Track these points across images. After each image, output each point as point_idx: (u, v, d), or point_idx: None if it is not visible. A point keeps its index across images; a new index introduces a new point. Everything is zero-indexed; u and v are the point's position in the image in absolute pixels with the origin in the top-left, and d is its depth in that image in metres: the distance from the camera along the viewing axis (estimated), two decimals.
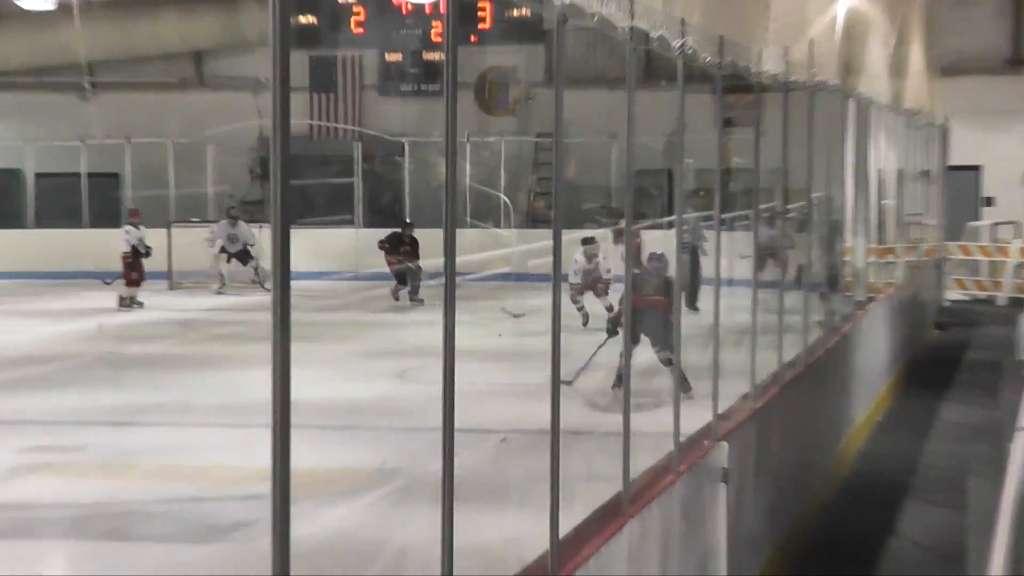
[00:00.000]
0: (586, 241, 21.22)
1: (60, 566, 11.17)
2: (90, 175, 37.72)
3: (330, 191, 35.17)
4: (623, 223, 16.18)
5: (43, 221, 36.59)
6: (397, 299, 26.91)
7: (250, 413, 12.83)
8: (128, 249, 28.29)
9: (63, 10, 32.82)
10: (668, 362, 14.73)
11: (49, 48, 36.59)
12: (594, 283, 21.30)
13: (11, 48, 35.82)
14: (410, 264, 26.36)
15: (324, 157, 36.12)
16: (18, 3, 30.81)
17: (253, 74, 35.67)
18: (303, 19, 35.58)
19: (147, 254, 28.06)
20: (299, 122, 35.44)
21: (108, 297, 27.75)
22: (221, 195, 34.74)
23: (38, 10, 31.39)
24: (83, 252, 32.30)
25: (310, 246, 28.47)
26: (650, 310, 15.96)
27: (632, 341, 14.40)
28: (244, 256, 29.73)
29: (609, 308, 20.15)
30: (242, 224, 30.04)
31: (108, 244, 28.68)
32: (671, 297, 14.92)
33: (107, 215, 36.70)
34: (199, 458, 13.44)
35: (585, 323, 21.09)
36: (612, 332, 17.12)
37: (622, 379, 13.48)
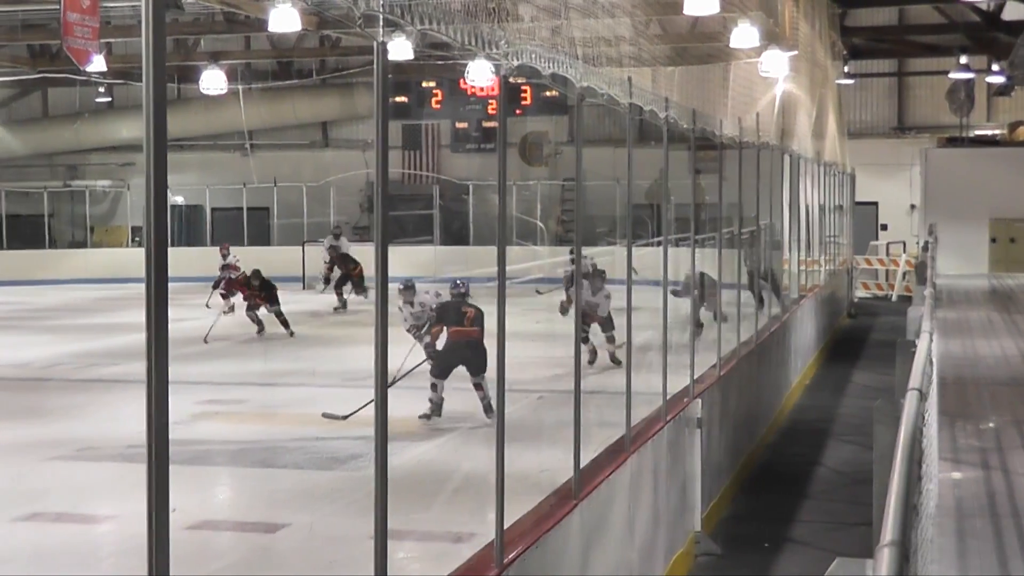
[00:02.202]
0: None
1: (227, 484, 11.13)
2: (249, 208, 37.90)
3: (416, 220, 35.28)
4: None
5: (217, 240, 36.78)
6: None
7: (359, 377, 12.85)
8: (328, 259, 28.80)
9: (231, 94, 32.94)
10: (479, 387, 13.10)
11: (221, 120, 36.82)
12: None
13: (194, 121, 36.01)
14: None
15: (412, 195, 36.23)
16: (201, 90, 30.96)
17: (362, 138, 36.09)
18: (398, 98, 35.61)
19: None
20: (395, 171, 35.64)
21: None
22: (339, 222, 34.83)
23: (214, 95, 31.56)
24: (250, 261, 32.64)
25: (402, 258, 28.50)
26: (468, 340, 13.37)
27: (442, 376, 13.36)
28: (344, 280, 29.02)
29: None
30: (343, 238, 30.14)
31: (262, 257, 28.72)
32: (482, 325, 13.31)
33: (261, 236, 37.24)
34: (323, 409, 13.37)
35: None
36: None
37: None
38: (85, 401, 15.11)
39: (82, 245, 38.45)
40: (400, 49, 18.43)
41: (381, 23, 5.47)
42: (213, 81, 31.17)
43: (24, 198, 39.29)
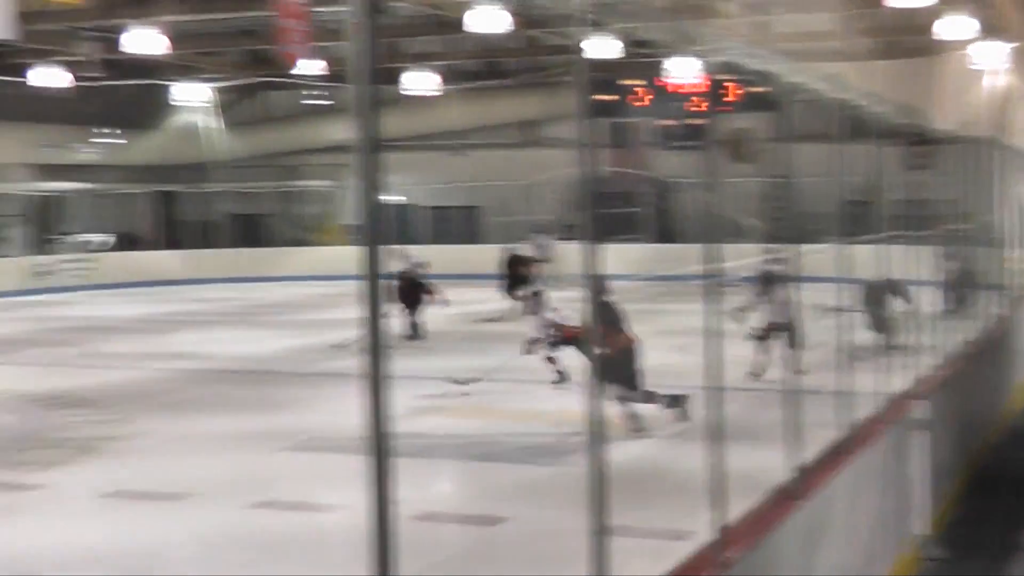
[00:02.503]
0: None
1: (450, 477, 11.31)
2: (460, 207, 38.56)
3: (624, 217, 35.33)
4: None
5: (438, 239, 37.47)
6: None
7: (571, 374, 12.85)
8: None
9: (442, 95, 33.52)
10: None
11: (430, 121, 37.40)
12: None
13: (405, 122, 36.63)
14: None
15: (619, 193, 36.18)
16: (412, 93, 31.59)
17: (570, 136, 36.09)
18: (606, 97, 35.66)
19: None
20: (602, 169, 35.70)
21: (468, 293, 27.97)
22: (548, 220, 35.05)
23: (424, 95, 32.17)
24: (458, 259, 33.19)
25: (611, 255, 28.49)
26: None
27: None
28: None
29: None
30: (543, 236, 30.43)
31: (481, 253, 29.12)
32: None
33: (472, 234, 37.76)
34: (538, 405, 13.53)
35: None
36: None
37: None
38: (310, 395, 15.54)
39: (301, 243, 39.52)
40: (605, 47, 18.46)
41: (583, 23, 5.52)
42: (423, 82, 31.79)
43: (246, 198, 40.77)
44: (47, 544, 9.11)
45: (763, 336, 15.00)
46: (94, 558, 8.67)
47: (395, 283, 20.88)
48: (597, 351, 12.49)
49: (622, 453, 11.14)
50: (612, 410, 12.28)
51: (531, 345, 15.07)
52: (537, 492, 10.16)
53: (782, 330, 15.94)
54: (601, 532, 5.52)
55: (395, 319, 20.96)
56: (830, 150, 10.98)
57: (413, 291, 21.50)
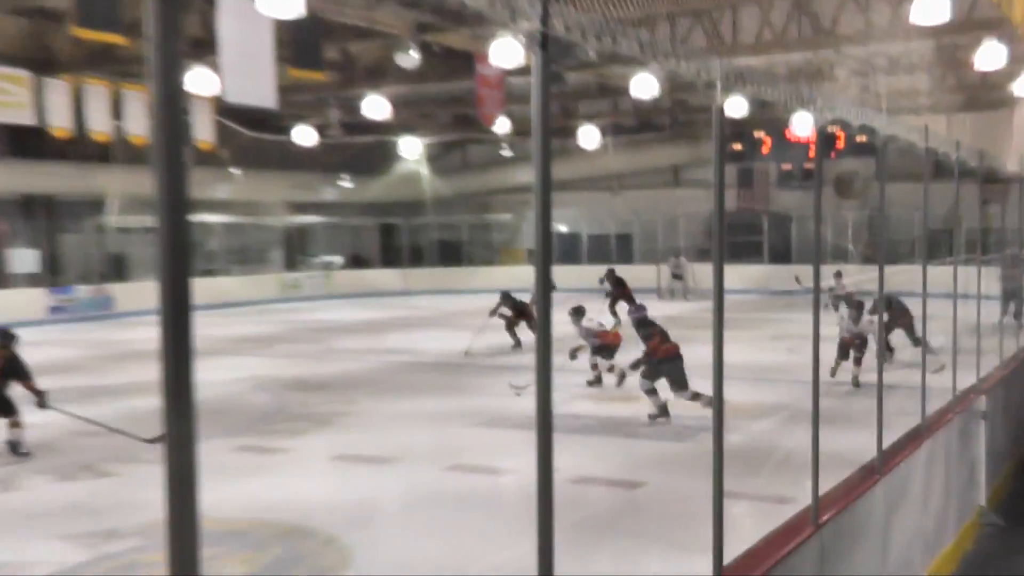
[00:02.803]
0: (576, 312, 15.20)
1: (600, 450, 11.22)
2: (616, 235, 38.45)
3: (748, 244, 34.86)
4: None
5: (591, 259, 37.41)
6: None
7: (699, 369, 12.69)
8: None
9: (603, 146, 33.47)
10: (695, 396, 11.95)
11: (593, 167, 37.30)
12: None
13: (574, 168, 36.70)
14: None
15: (745, 224, 35.65)
16: (580, 144, 31.64)
17: (707, 178, 35.67)
18: (736, 146, 35.28)
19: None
20: (730, 205, 35.14)
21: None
22: (685, 246, 34.76)
23: (590, 149, 32.24)
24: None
25: (736, 274, 28.19)
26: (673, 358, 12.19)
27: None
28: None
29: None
30: (682, 258, 30.04)
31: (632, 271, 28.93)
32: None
33: (626, 256, 37.58)
34: (671, 394, 13.34)
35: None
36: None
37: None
38: (493, 382, 15.64)
39: (490, 263, 39.85)
40: (736, 107, 18.24)
41: (719, 88, 5.49)
42: (589, 136, 31.79)
43: (449, 228, 41.46)
44: (291, 494, 9.34)
45: (857, 344, 14.46)
46: (325, 506, 8.86)
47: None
48: (649, 356, 12.25)
49: (739, 433, 11.04)
50: (660, 399, 12.15)
51: (575, 351, 14.55)
52: (670, 463, 10.06)
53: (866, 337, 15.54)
54: (720, 496, 5.46)
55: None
56: (917, 188, 10.68)
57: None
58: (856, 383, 13.86)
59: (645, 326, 12.53)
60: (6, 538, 8.21)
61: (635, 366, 12.41)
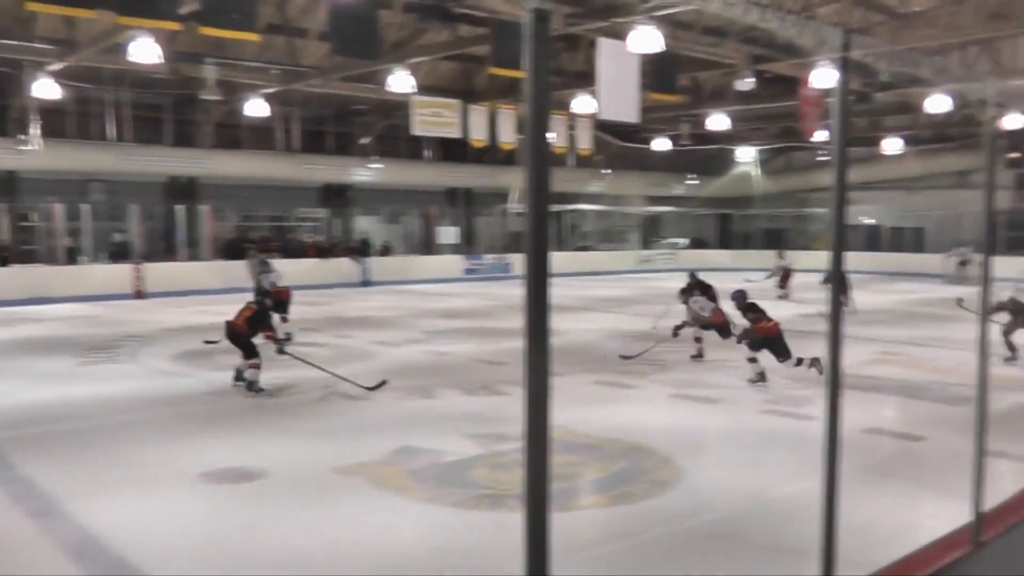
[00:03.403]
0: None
1: (887, 406, 10.27)
2: (911, 228, 35.51)
3: (1021, 238, 31.07)
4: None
5: (889, 248, 34.70)
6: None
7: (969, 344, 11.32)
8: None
9: (903, 153, 31.21)
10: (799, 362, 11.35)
11: (894, 170, 34.99)
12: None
13: (878, 171, 34.71)
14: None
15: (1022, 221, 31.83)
16: (884, 151, 29.45)
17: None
18: (1014, 155, 31.45)
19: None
20: (1007, 205, 31.37)
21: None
22: (970, 239, 31.58)
23: (892, 155, 30.01)
24: (907, 262, 30.64)
25: (1014, 266, 25.23)
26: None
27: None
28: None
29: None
30: (968, 248, 27.10)
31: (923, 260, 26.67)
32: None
33: (919, 246, 34.80)
34: (951, 365, 12.10)
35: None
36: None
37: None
38: (810, 345, 14.87)
39: (806, 248, 38.15)
40: (1013, 121, 16.36)
41: (991, 104, 4.88)
42: (892, 145, 29.89)
43: (774, 219, 40.52)
44: (636, 421, 9.29)
45: None
46: (664, 433, 8.82)
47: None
48: (748, 332, 11.39)
49: (1005, 403, 9.85)
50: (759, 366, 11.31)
51: (678, 329, 13.35)
52: (949, 423, 9.14)
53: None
54: (981, 453, 4.90)
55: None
56: None
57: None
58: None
59: (754, 311, 11.86)
60: (430, 432, 8.87)
61: (740, 339, 11.87)
